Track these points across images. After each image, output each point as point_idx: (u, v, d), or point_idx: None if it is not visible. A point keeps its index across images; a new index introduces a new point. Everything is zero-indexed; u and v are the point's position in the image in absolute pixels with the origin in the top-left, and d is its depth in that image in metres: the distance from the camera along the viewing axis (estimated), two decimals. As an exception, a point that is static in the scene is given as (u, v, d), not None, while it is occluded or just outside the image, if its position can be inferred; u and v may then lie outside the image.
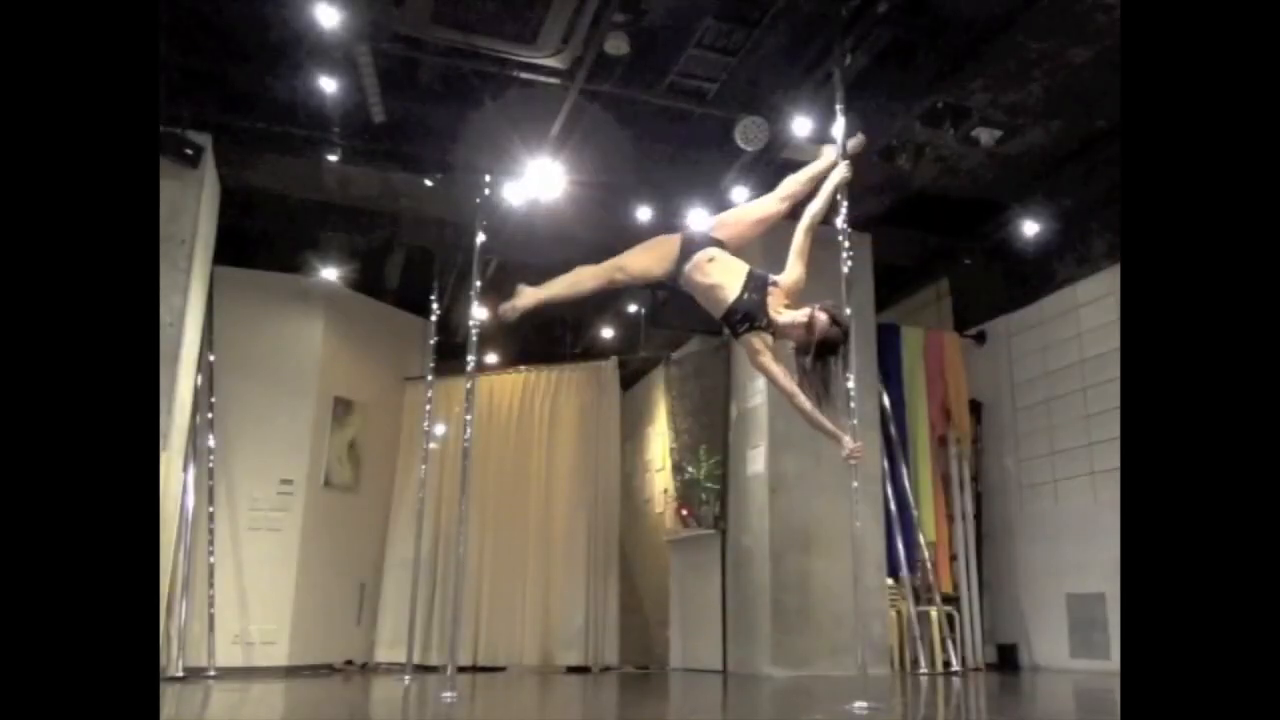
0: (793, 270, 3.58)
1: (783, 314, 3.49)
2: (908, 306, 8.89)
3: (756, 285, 3.51)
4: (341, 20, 5.26)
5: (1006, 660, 7.40)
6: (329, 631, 7.85)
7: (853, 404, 4.36)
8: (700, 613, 7.85)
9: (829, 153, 4.01)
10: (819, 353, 3.46)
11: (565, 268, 8.54)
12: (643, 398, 9.87)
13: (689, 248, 3.54)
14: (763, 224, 3.73)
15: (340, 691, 5.68)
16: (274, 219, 7.60)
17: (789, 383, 3.47)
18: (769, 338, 3.49)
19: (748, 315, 3.46)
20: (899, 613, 6.98)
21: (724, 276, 3.51)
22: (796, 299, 3.57)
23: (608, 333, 9.55)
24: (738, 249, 3.69)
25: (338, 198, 7.27)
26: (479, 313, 5.81)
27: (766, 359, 3.47)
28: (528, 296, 3.41)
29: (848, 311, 3.92)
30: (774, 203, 3.72)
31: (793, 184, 3.78)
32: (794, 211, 3.81)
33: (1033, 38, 5.46)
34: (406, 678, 6.27)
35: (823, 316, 3.45)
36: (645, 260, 3.56)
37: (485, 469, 8.37)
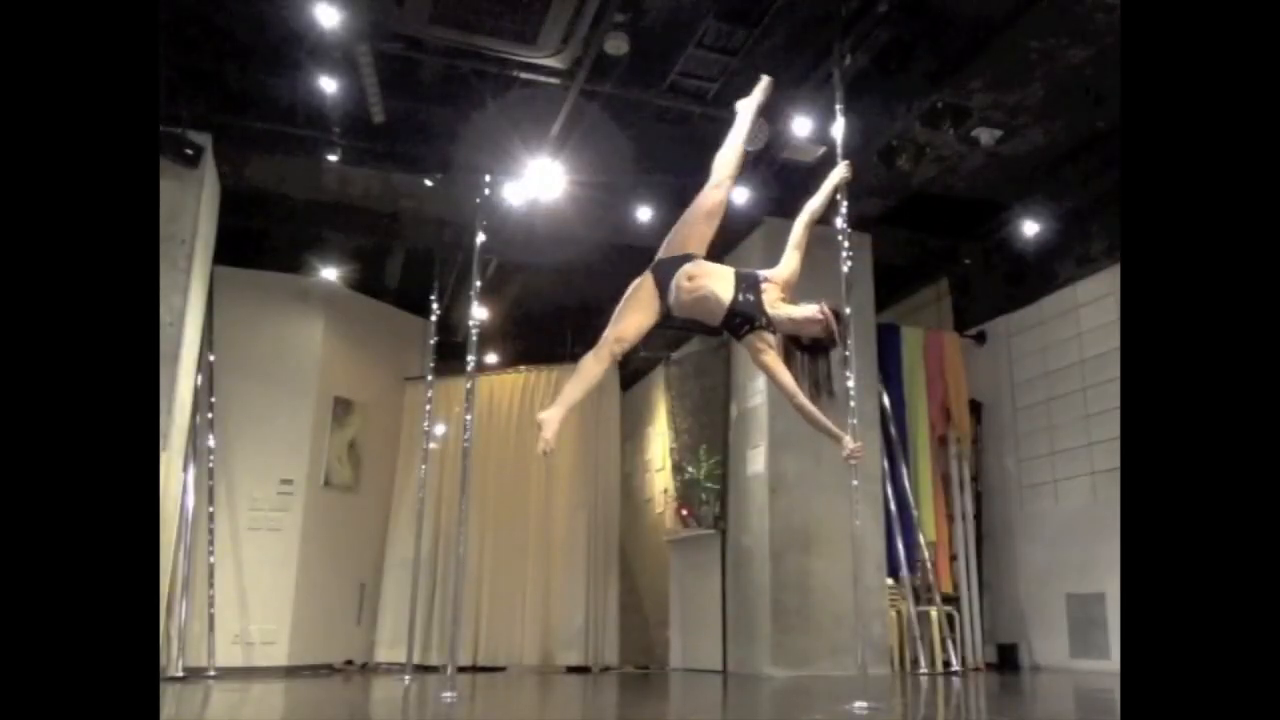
0: (789, 262, 3.55)
1: (780, 308, 3.45)
2: (908, 306, 8.89)
3: (748, 285, 3.45)
4: (341, 20, 5.26)
5: (1006, 660, 7.40)
6: (329, 631, 7.85)
7: (853, 404, 4.37)
8: (700, 613, 7.85)
9: (744, 108, 3.80)
10: (820, 348, 3.45)
11: (565, 267, 8.56)
12: (643, 398, 9.87)
13: (664, 277, 3.42)
14: (713, 215, 3.57)
15: (340, 691, 5.68)
16: (274, 219, 7.60)
17: (792, 382, 3.43)
18: (771, 337, 3.46)
19: (746, 317, 3.42)
20: (899, 613, 6.98)
21: (712, 284, 3.42)
22: (792, 291, 3.54)
23: (608, 333, 9.54)
24: (706, 252, 3.59)
25: (338, 198, 7.27)
26: (479, 313, 5.81)
27: (770, 358, 3.44)
28: (552, 421, 3.26)
29: (848, 310, 3.92)
30: (712, 191, 3.56)
31: (723, 165, 3.60)
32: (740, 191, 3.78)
33: (1033, 38, 5.46)
34: (406, 678, 6.27)
35: (830, 312, 3.44)
36: (634, 318, 3.42)
37: (485, 469, 8.37)
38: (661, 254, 3.51)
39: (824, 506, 6.75)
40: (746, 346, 3.51)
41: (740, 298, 3.41)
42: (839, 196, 4.48)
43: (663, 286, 3.42)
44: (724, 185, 3.57)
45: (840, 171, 4.07)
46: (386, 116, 6.13)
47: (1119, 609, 6.18)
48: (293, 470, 7.70)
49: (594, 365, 3.37)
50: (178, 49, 5.66)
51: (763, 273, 3.52)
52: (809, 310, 3.43)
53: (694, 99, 6.13)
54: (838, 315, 3.46)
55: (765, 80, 3.90)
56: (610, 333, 3.39)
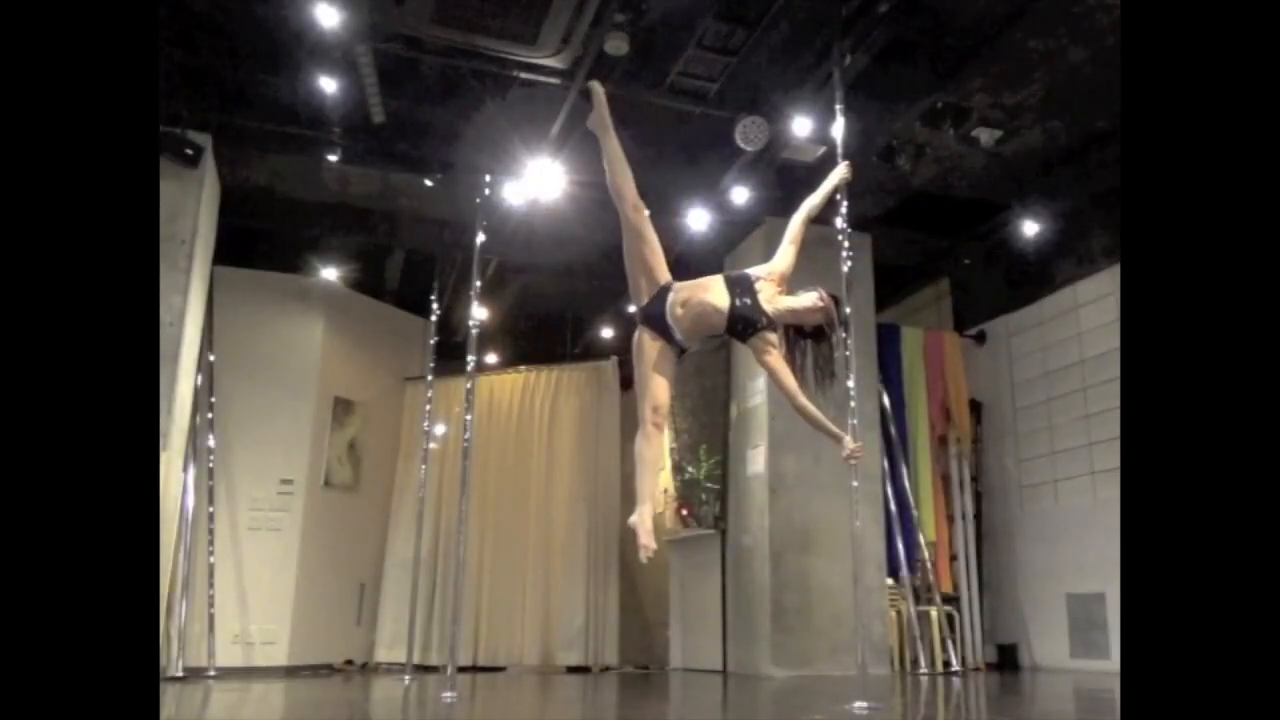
0: (784, 256, 3.54)
1: (780, 301, 3.44)
2: (908, 306, 8.89)
3: (742, 288, 3.42)
4: (341, 20, 5.25)
5: (1006, 660, 7.40)
6: (329, 631, 7.85)
7: (853, 404, 4.37)
8: (700, 613, 7.84)
9: (595, 125, 3.65)
10: (822, 334, 3.45)
11: (565, 267, 8.53)
12: (643, 398, 9.85)
13: (657, 321, 3.38)
14: (649, 238, 3.46)
15: (340, 691, 5.68)
16: (274, 219, 7.61)
17: (794, 383, 3.42)
18: (773, 336, 3.45)
19: (748, 321, 3.41)
20: (899, 613, 6.98)
21: (706, 297, 3.39)
22: (789, 284, 3.53)
23: (608, 333, 9.55)
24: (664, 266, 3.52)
25: (338, 198, 7.27)
26: (479, 313, 5.81)
27: (774, 358, 3.42)
28: (645, 521, 3.17)
29: (848, 310, 3.92)
30: (632, 217, 3.45)
31: (620, 188, 3.47)
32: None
33: (1033, 38, 5.46)
34: (406, 678, 6.27)
35: (830, 298, 3.44)
36: (657, 380, 3.37)
37: (485, 469, 8.37)
38: (636, 302, 3.46)
39: (824, 506, 6.75)
40: (751, 347, 3.50)
41: (738, 302, 3.39)
42: (839, 196, 4.48)
43: (662, 330, 3.38)
44: (639, 206, 3.44)
45: (840, 172, 4.07)
46: (386, 116, 6.13)
47: (1119, 609, 6.18)
48: (293, 470, 7.70)
49: (647, 447, 3.33)
50: (178, 49, 5.66)
51: (753, 271, 3.50)
52: (809, 299, 3.44)
53: (694, 99, 6.12)
54: (836, 300, 3.48)
55: (594, 88, 3.65)
56: (644, 408, 3.35)
